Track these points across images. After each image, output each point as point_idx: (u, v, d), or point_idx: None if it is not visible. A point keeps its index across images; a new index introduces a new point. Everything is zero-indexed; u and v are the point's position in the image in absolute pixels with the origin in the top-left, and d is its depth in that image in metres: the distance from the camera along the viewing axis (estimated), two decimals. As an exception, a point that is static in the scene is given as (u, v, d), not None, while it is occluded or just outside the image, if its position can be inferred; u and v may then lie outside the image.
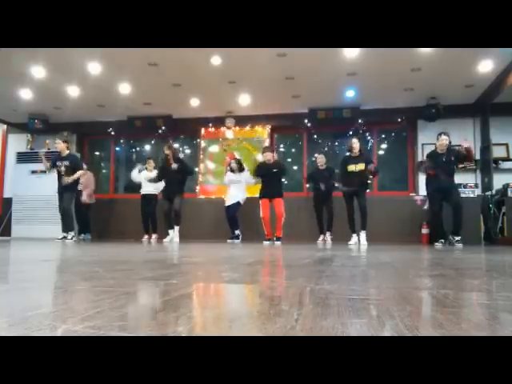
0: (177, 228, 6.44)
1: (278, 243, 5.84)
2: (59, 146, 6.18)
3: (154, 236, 7.02)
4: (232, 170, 6.66)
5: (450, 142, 5.51)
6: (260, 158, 6.70)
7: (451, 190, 5.43)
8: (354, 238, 5.82)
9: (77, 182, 6.30)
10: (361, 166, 5.78)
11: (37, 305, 1.00)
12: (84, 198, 7.16)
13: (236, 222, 6.52)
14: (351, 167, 5.80)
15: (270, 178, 6.17)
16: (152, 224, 7.08)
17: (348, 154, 6.00)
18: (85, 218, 7.30)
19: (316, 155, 6.90)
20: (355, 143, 5.88)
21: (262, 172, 6.24)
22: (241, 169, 6.63)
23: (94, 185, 7.50)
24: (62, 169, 6.07)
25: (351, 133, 7.22)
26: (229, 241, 6.45)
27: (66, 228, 6.09)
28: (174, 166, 6.31)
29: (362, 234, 5.75)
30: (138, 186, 7.15)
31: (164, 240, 6.38)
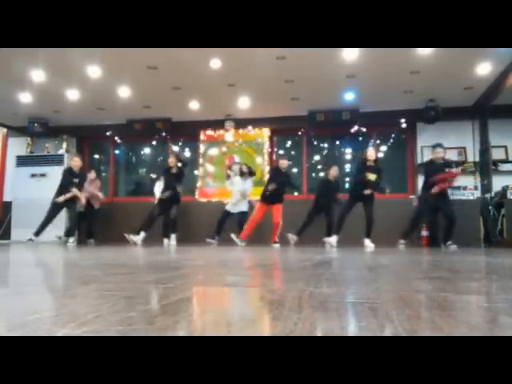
0: (174, 235, 6.50)
1: (277, 246, 5.98)
2: (77, 163, 6.40)
3: (172, 237, 6.60)
4: (242, 174, 6.65)
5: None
6: (259, 160, 6.77)
7: (445, 199, 5.63)
8: (333, 238, 5.98)
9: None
10: (374, 176, 5.98)
11: (36, 309, 1.00)
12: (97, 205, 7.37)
13: (242, 226, 6.47)
14: (370, 176, 5.97)
15: (280, 185, 6.23)
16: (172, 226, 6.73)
17: (365, 161, 6.09)
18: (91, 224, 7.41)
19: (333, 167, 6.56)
20: (371, 151, 6.08)
21: (277, 178, 6.27)
22: (251, 174, 6.68)
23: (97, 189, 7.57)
24: (74, 184, 6.35)
25: (350, 136, 7.24)
26: (208, 240, 6.50)
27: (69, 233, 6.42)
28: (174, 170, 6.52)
29: (366, 241, 5.88)
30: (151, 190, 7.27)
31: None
